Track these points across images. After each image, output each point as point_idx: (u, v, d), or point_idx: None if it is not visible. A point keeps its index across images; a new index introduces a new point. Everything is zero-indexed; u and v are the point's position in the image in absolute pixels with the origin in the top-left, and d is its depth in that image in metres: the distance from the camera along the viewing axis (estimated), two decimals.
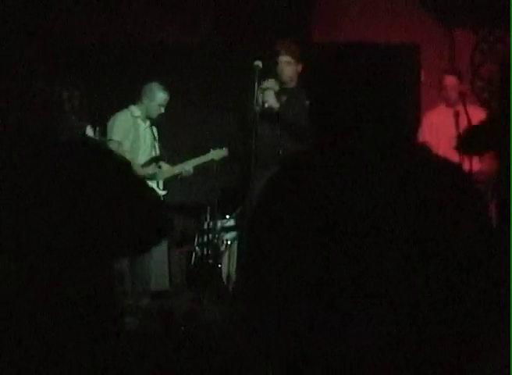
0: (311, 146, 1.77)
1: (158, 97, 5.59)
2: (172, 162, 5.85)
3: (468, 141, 3.56)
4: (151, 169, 5.67)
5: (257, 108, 4.95)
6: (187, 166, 5.75)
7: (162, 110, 5.64)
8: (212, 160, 5.79)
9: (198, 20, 6.98)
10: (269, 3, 6.83)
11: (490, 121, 3.59)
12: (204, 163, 5.81)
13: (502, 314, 1.64)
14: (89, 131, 5.98)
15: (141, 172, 5.61)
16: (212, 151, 5.79)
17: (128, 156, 5.59)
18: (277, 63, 5.19)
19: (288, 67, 5.17)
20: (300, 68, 5.22)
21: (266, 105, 5.03)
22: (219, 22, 6.94)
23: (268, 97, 5.04)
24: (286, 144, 5.04)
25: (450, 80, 5.66)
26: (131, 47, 6.92)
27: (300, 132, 4.99)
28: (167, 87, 5.64)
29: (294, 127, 5.03)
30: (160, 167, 5.72)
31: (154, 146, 5.74)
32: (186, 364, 3.39)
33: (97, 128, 5.80)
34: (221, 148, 5.82)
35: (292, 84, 5.22)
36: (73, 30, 6.81)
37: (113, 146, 5.56)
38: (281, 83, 5.24)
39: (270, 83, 5.07)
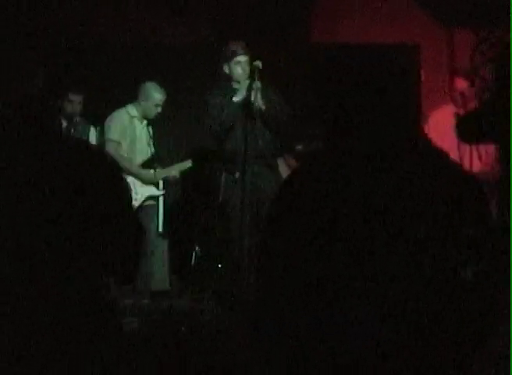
0: (320, 146, 1.78)
1: (154, 97, 5.57)
2: (168, 163, 5.84)
3: (465, 128, 3.52)
4: (145, 172, 5.64)
5: (254, 108, 4.98)
6: (174, 171, 5.73)
7: (159, 110, 5.62)
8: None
9: (198, 20, 6.98)
10: (269, 3, 6.84)
11: (486, 108, 3.55)
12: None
13: (502, 314, 1.64)
14: (92, 131, 5.99)
15: (141, 172, 5.60)
16: (184, 163, 5.77)
17: (126, 156, 5.59)
18: (237, 63, 5.16)
19: (247, 66, 5.15)
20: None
21: (256, 105, 5.04)
22: (219, 22, 6.94)
23: (257, 97, 5.04)
24: (266, 142, 5.08)
25: (461, 83, 5.66)
26: (130, 46, 6.92)
27: (281, 128, 5.06)
28: (163, 87, 5.63)
29: (275, 124, 5.08)
30: (155, 169, 5.70)
31: (150, 145, 5.73)
32: (186, 364, 3.39)
33: (97, 127, 5.80)
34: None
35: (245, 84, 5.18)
36: (73, 30, 6.81)
37: (112, 146, 5.55)
38: (237, 82, 5.21)
39: (257, 83, 5.07)
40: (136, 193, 5.56)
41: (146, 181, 5.59)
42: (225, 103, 5.11)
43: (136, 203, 5.55)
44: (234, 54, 5.16)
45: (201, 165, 5.79)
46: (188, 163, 5.75)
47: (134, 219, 2.18)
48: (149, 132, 5.71)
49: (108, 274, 2.05)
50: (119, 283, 2.22)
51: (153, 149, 5.72)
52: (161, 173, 5.69)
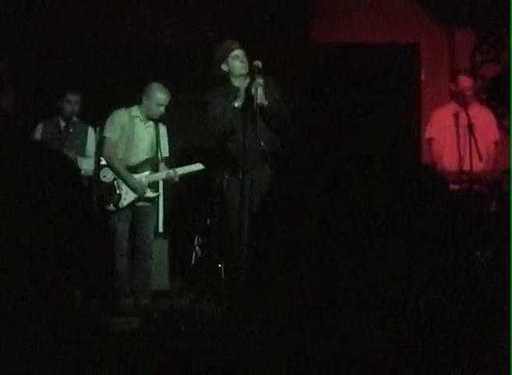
0: (308, 143, 1.77)
1: (156, 96, 5.55)
2: (171, 164, 5.83)
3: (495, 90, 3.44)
4: (130, 177, 5.59)
5: (254, 105, 4.97)
6: (172, 173, 5.69)
7: (162, 110, 5.59)
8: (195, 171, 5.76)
9: (198, 20, 6.99)
10: (269, 3, 6.84)
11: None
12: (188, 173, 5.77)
13: (502, 314, 1.64)
14: (91, 132, 6.00)
15: (126, 176, 5.55)
16: (191, 165, 5.74)
17: (121, 156, 5.58)
18: (235, 57, 5.16)
19: (245, 60, 5.16)
20: None
21: (259, 102, 5.03)
22: (219, 22, 6.94)
23: (260, 94, 5.03)
24: (266, 140, 5.08)
25: (466, 80, 5.66)
26: (129, 46, 6.92)
27: (282, 127, 5.06)
28: (167, 87, 5.62)
29: (277, 122, 5.08)
30: (156, 170, 5.67)
31: (157, 147, 5.69)
32: (187, 364, 3.39)
33: (97, 128, 5.80)
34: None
35: (244, 85, 5.18)
36: (73, 30, 6.82)
37: (107, 144, 5.55)
38: (236, 77, 5.21)
39: (260, 80, 5.05)
40: (125, 193, 5.55)
41: (131, 185, 5.55)
42: (227, 107, 5.09)
43: (124, 203, 5.53)
44: (231, 49, 5.16)
45: (204, 165, 5.78)
46: (199, 165, 5.73)
47: (97, 225, 2.13)
48: (157, 133, 5.67)
49: (70, 283, 2.00)
50: (89, 295, 2.17)
51: (162, 151, 5.69)
52: (149, 177, 5.65)
